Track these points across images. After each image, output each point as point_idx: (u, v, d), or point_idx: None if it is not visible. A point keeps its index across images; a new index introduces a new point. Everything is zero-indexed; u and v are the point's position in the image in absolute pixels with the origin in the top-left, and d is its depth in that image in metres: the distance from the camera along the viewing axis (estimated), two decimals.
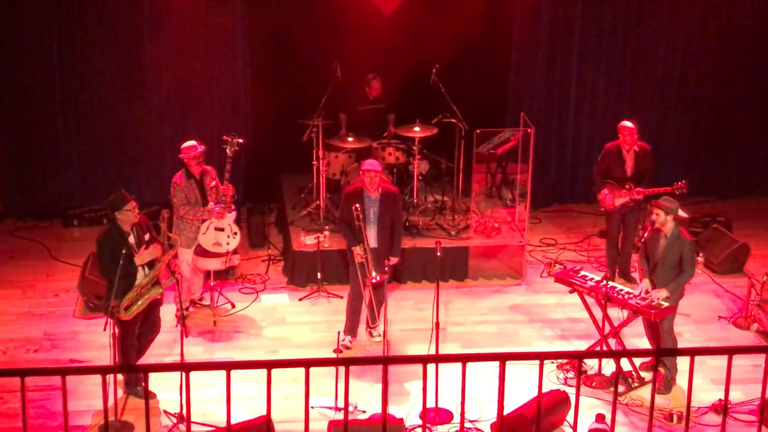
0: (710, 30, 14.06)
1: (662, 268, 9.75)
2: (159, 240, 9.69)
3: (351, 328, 10.63)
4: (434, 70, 12.44)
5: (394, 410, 9.28)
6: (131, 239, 9.28)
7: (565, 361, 10.10)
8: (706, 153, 14.57)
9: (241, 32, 13.29)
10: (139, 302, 9.29)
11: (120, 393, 9.46)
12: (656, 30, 13.95)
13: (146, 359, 9.75)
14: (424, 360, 6.27)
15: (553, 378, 9.98)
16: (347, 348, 10.52)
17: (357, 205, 10.14)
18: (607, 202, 11.66)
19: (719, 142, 14.60)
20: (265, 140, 13.57)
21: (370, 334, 10.78)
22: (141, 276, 9.32)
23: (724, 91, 14.37)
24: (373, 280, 10.21)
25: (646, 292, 9.80)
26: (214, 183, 10.95)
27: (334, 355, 10.01)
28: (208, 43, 13.23)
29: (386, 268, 10.35)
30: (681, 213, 12.07)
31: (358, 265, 10.31)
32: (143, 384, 8.91)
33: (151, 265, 9.40)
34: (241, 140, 11.15)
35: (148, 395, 6.68)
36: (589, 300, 10.20)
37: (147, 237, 9.43)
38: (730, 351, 6.08)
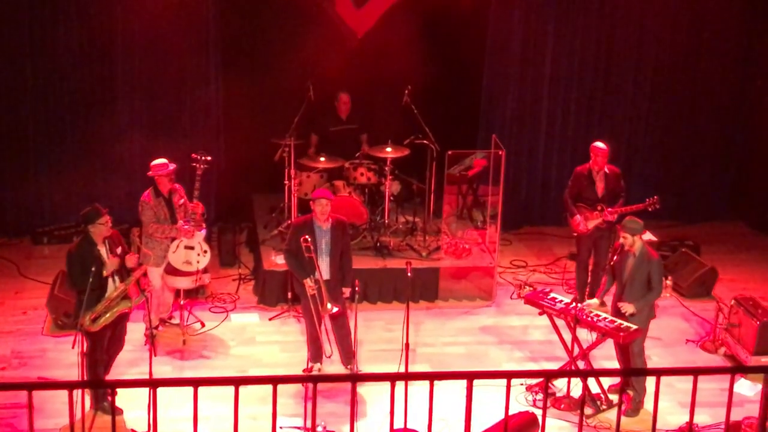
0: (680, 54, 14.20)
1: (631, 287, 9.79)
2: (131, 252, 9.68)
3: (315, 356, 10.43)
4: (406, 92, 12.50)
5: (362, 431, 9.25)
6: (102, 252, 9.31)
7: (534, 382, 10.12)
8: (675, 177, 14.66)
9: (213, 51, 13.29)
10: (107, 315, 9.28)
11: (87, 407, 9.36)
12: (626, 54, 14.07)
13: (113, 377, 9.67)
14: (392, 378, 6.28)
15: (522, 400, 9.99)
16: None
17: (306, 237, 9.99)
18: (580, 227, 11.69)
19: (688, 166, 14.72)
20: (237, 159, 13.54)
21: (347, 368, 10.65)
22: (111, 289, 9.32)
23: (693, 115, 14.51)
24: (333, 311, 10.05)
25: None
26: (182, 201, 10.91)
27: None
28: (181, 60, 13.22)
29: (344, 297, 10.27)
30: (650, 236, 12.18)
31: (311, 298, 10.15)
32: (110, 399, 8.86)
33: (121, 278, 9.39)
34: (209, 158, 11.10)
35: (114, 411, 6.66)
36: (559, 322, 10.23)
37: (119, 251, 9.45)
38: (695, 371, 6.13)
